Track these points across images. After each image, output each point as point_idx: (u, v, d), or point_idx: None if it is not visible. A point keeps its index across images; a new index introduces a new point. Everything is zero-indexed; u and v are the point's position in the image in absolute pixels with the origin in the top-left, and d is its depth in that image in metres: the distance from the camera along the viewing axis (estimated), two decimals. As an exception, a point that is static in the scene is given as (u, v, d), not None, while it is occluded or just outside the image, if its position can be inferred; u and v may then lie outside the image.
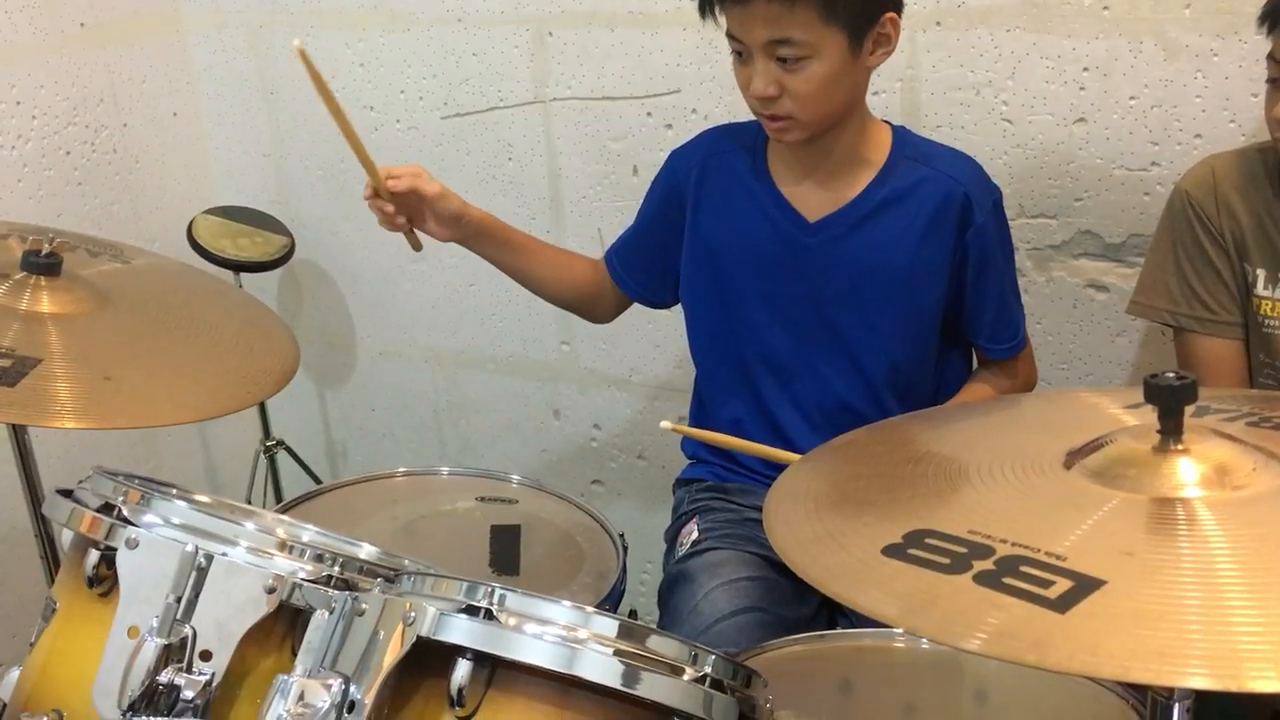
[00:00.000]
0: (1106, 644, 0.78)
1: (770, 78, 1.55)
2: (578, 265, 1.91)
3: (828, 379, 1.72)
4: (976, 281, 1.68)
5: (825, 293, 1.69)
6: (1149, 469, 0.97)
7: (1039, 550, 0.88)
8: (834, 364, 1.72)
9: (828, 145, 1.65)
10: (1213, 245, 1.63)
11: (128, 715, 1.13)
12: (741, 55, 1.58)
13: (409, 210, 1.71)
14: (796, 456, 1.43)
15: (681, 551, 1.75)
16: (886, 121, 1.71)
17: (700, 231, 1.76)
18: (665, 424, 1.58)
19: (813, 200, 1.69)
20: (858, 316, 1.69)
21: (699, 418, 1.87)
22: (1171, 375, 0.98)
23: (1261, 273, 1.60)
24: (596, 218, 2.29)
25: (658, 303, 1.90)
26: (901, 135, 1.70)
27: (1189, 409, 0.99)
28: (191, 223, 2.41)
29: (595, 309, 1.94)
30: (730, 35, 1.57)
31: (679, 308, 1.87)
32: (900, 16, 1.57)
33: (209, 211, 2.47)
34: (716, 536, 1.74)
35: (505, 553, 1.71)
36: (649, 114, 2.19)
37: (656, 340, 2.32)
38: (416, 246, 1.76)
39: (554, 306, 1.95)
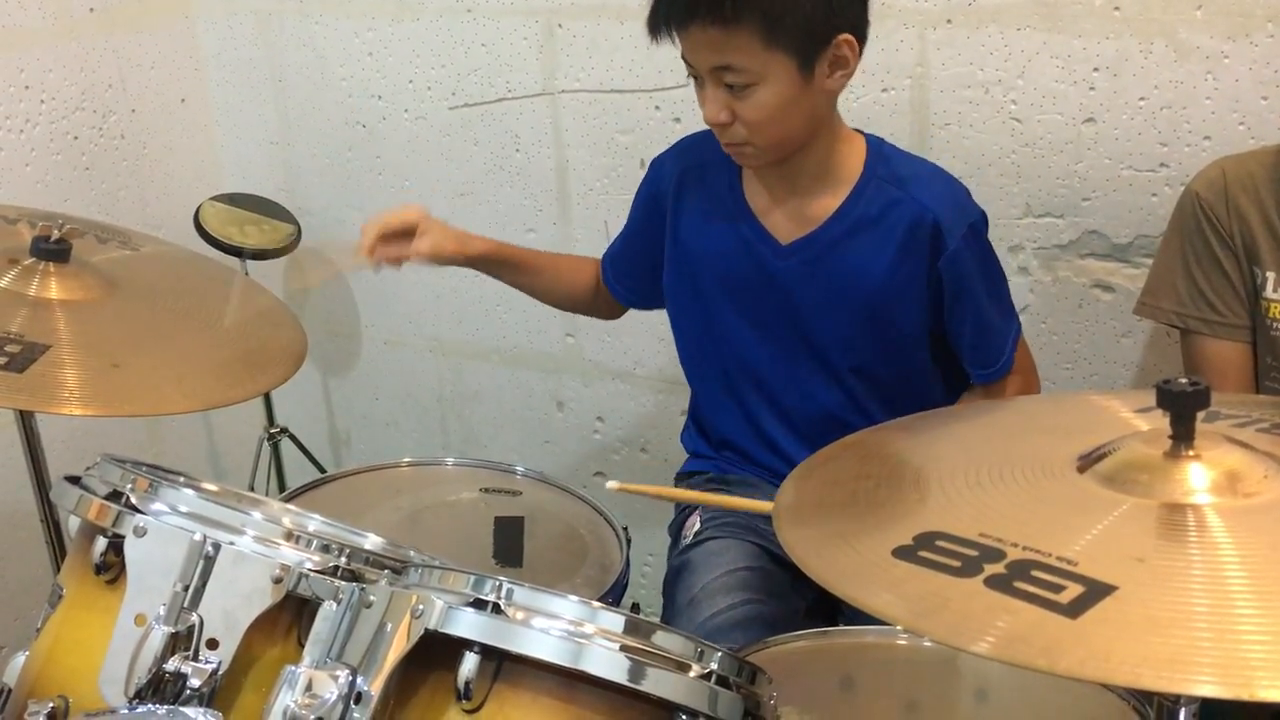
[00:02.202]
0: (1118, 650, 0.78)
1: (720, 104, 1.51)
2: (580, 274, 1.92)
3: (813, 392, 1.71)
4: (953, 307, 1.64)
5: (801, 311, 1.67)
6: (1160, 474, 0.96)
7: (1050, 555, 0.88)
8: (817, 378, 1.71)
9: (797, 164, 1.61)
10: (1222, 247, 1.63)
11: (134, 702, 1.14)
12: (696, 79, 1.56)
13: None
14: (765, 505, 1.29)
15: (684, 544, 1.75)
16: (859, 131, 1.67)
17: (680, 243, 1.74)
18: (611, 484, 1.41)
19: (784, 222, 1.66)
20: (835, 335, 1.67)
21: (695, 425, 1.89)
22: (1185, 381, 0.98)
23: (1271, 275, 1.60)
24: (603, 211, 2.28)
25: (650, 308, 1.91)
26: (876, 151, 1.65)
27: (1199, 414, 0.99)
28: (198, 210, 2.41)
29: (599, 310, 1.97)
30: (683, 58, 1.55)
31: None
32: (859, 39, 1.52)
33: (216, 198, 2.46)
34: (716, 525, 1.74)
35: (509, 544, 1.71)
36: (657, 107, 2.18)
37: (661, 333, 2.31)
38: None
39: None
